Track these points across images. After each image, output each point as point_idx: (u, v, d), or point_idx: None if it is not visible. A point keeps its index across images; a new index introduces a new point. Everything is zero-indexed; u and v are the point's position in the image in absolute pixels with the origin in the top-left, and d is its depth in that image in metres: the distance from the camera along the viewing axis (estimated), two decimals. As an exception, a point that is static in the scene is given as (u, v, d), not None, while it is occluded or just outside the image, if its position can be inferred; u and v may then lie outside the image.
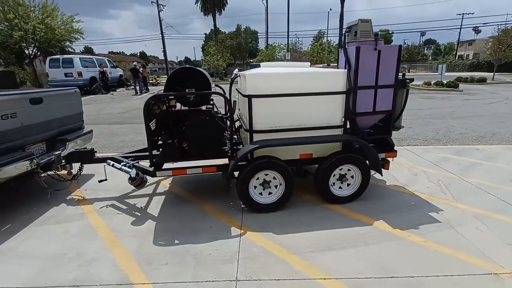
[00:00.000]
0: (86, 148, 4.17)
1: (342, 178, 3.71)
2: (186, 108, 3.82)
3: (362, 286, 2.36)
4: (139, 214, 3.61)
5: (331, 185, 3.68)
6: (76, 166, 4.14)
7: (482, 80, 24.51)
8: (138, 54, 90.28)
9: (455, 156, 5.53)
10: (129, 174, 3.51)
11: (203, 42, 64.72)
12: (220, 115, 3.70)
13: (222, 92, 3.68)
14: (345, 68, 3.72)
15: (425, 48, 60.69)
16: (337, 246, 2.89)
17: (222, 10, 41.06)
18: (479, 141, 6.75)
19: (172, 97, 3.67)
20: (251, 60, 53.93)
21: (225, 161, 3.78)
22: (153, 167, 3.58)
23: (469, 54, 51.84)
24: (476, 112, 10.73)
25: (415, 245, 2.88)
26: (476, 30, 68.57)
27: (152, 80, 25.33)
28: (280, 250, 2.83)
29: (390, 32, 67.31)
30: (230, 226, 3.28)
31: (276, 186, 3.57)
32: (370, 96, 3.73)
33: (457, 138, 7.04)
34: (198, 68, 3.49)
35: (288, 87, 3.46)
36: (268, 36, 34.58)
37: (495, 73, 27.12)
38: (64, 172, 3.94)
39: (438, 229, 3.14)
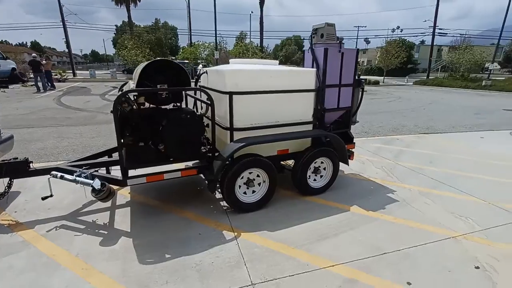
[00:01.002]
0: (17, 158, 3.26)
1: (316, 170, 3.95)
2: (154, 106, 3.41)
3: (366, 266, 2.59)
4: (106, 232, 3.06)
5: (308, 178, 3.88)
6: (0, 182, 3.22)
7: (377, 83, 29.43)
8: (29, 44, 74.79)
9: (385, 146, 6.54)
10: (92, 186, 2.93)
11: (114, 35, 58.21)
12: (198, 113, 3.44)
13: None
14: (313, 68, 3.97)
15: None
16: (329, 234, 3.08)
17: (138, 1, 37.67)
18: (395, 132, 8.15)
19: (140, 94, 3.22)
20: (173, 58, 51.36)
21: (196, 162, 3.55)
22: (122, 176, 3.08)
23: (364, 61, 61.46)
24: (382, 108, 12.85)
25: (388, 223, 3.31)
26: (367, 41, 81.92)
27: (56, 75, 21.35)
28: (281, 247, 2.84)
29: (302, 38, 74.18)
30: (221, 230, 3.10)
31: (259, 184, 3.55)
32: (335, 94, 4.08)
33: (379, 130, 8.32)
34: (175, 61, 3.14)
35: (268, 84, 3.48)
36: (192, 34, 33.48)
37: (385, 77, 32.96)
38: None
39: (399, 207, 3.68)
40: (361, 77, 4.57)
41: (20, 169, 3.22)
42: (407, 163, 5.34)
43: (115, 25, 60.38)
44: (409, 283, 2.40)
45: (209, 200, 3.81)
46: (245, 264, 2.57)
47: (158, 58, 3.10)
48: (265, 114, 3.58)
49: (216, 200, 3.79)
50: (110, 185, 3.04)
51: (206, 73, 3.98)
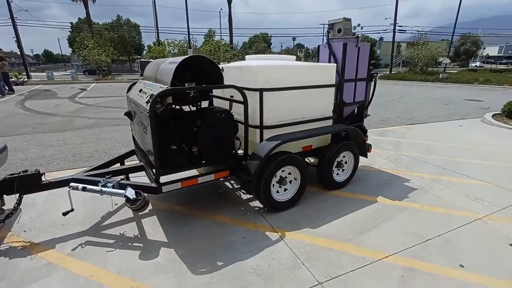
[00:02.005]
0: (26, 170, 2.86)
1: (339, 164, 3.99)
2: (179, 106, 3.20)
3: (417, 254, 2.67)
4: (141, 245, 2.82)
5: (333, 172, 3.91)
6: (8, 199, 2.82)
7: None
8: (-34, 43, 66.42)
9: (382, 137, 6.82)
10: (126, 196, 2.67)
11: (69, 33, 53.95)
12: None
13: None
14: (329, 63, 4.00)
15: (298, 51, 70.57)
16: (369, 226, 3.13)
17: (97, -3, 35.35)
18: (384, 124, 8.53)
19: (169, 94, 2.99)
20: (138, 56, 48.91)
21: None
22: (155, 182, 2.85)
23: (330, 57, 63.74)
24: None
25: (418, 211, 3.45)
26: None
27: (12, 77, 19.27)
28: (330, 243, 2.83)
29: (269, 35, 74.88)
30: (263, 232, 3.01)
31: (290, 182, 3.50)
32: (352, 89, 4.15)
33: (368, 123, 8.61)
34: (207, 57, 2.95)
35: (295, 80, 3.43)
36: (159, 32, 32.08)
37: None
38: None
39: (421, 195, 3.86)
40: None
41: (32, 182, 2.84)
42: (408, 153, 5.61)
43: (70, 23, 56.02)
44: (462, 266, 2.52)
45: (236, 202, 3.68)
46: (303, 264, 2.52)
47: (193, 55, 2.87)
48: (292, 110, 3.53)
49: (243, 202, 3.68)
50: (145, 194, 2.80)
51: (222, 70, 3.82)
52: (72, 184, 2.87)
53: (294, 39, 77.61)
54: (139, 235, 2.97)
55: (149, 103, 2.61)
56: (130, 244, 2.83)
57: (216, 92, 3.83)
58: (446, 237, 2.93)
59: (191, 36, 36.37)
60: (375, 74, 4.41)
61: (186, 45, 31.04)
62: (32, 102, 12.60)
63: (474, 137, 6.88)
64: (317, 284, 2.29)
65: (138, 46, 48.00)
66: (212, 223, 3.18)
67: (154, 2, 30.95)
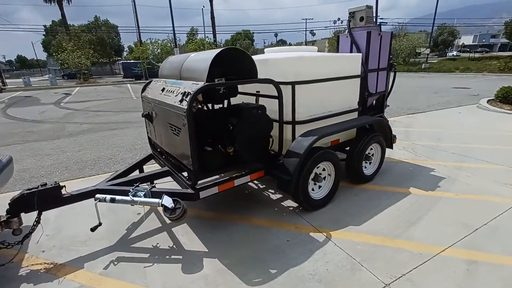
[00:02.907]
0: (45, 183, 2.55)
1: (367, 158, 3.88)
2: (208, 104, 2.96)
3: (472, 244, 2.58)
4: (180, 257, 2.58)
5: (363, 166, 3.79)
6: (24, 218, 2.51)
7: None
8: None
9: (389, 128, 6.80)
10: (163, 205, 2.43)
11: (43, 37, 51.43)
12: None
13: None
14: (351, 53, 3.86)
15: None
16: (412, 218, 3.03)
17: (72, -2, 33.77)
18: (386, 114, 8.53)
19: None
20: (118, 58, 47.30)
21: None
22: (192, 188, 2.62)
23: (313, 52, 64.28)
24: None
25: (455, 200, 3.39)
26: (312, 33, 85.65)
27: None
28: (381, 239, 2.70)
29: (251, 32, 74.45)
30: (307, 233, 2.84)
31: (324, 178, 3.35)
32: (374, 79, 4.04)
33: (369, 115, 8.65)
34: (240, 49, 2.71)
35: (324, 71, 3.28)
36: (140, 31, 30.99)
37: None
38: None
39: (451, 183, 3.81)
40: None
41: (52, 197, 2.53)
42: (421, 142, 5.60)
43: (43, 26, 53.38)
44: (519, 254, 2.46)
45: (267, 202, 3.50)
46: (362, 265, 2.38)
47: (227, 47, 2.60)
48: (321, 104, 3.38)
49: (274, 202, 3.50)
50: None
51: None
52: (98, 196, 2.59)
53: (276, 35, 77.65)
54: (174, 246, 2.73)
55: (184, 102, 2.37)
56: (167, 257, 2.59)
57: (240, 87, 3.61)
58: (492, 225, 2.87)
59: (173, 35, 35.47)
60: (395, 64, 4.32)
61: (170, 45, 30.22)
62: (15, 110, 11.83)
63: (477, 123, 6.99)
64: (385, 286, 2.15)
65: (118, 48, 46.37)
66: (250, 227, 2.98)
67: (134, 1, 29.87)
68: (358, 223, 2.97)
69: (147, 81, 3.74)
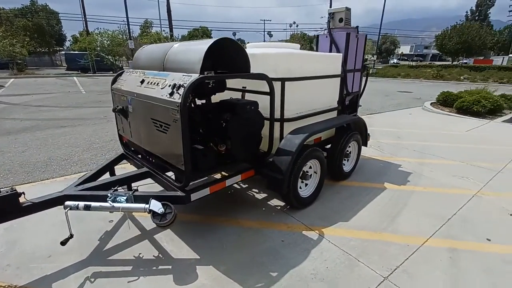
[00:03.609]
0: None
1: (346, 155, 4.00)
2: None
3: (449, 234, 2.80)
4: (170, 267, 2.34)
5: (343, 163, 3.90)
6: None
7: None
8: None
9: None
10: (151, 211, 2.17)
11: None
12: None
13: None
14: (330, 52, 3.95)
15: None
16: (393, 212, 3.19)
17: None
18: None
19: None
20: (60, 48, 42.42)
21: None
22: (182, 190, 2.38)
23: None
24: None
25: (424, 193, 3.66)
26: (270, 34, 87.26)
27: None
28: (370, 234, 2.79)
29: (209, 29, 72.99)
30: (300, 232, 2.81)
31: (311, 176, 3.35)
32: (351, 79, 4.18)
33: (332, 114, 9.05)
34: (235, 41, 2.52)
35: (310, 69, 3.28)
36: (87, 20, 28.07)
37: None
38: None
39: (418, 178, 4.12)
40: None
41: (9, 206, 2.09)
42: (384, 140, 6.00)
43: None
44: (488, 239, 2.74)
45: (252, 202, 3.39)
46: (358, 260, 2.41)
47: (221, 38, 2.39)
48: (306, 102, 3.39)
49: (260, 201, 3.41)
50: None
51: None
52: (68, 203, 2.21)
53: (234, 34, 77.28)
54: (161, 255, 2.47)
55: (175, 95, 2.14)
56: (154, 268, 2.33)
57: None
58: (461, 214, 3.16)
59: (125, 27, 33.06)
60: (367, 66, 4.53)
61: (121, 36, 28.04)
62: None
63: (427, 123, 7.76)
64: (384, 279, 2.21)
65: (59, 37, 41.59)
66: (240, 230, 2.84)
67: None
68: (346, 220, 3.03)
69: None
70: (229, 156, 2.65)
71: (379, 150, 5.38)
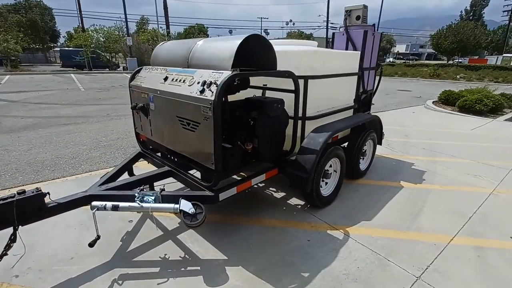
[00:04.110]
0: (23, 191, 2.00)
1: (362, 153, 3.98)
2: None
3: (473, 231, 2.80)
4: (199, 268, 2.29)
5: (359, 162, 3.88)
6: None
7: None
8: None
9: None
10: (181, 211, 2.11)
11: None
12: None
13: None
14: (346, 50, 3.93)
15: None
16: (414, 210, 3.18)
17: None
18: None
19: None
20: (54, 45, 41.70)
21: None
22: (210, 190, 2.33)
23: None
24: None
25: (442, 191, 3.66)
26: (266, 32, 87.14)
27: None
28: (395, 233, 2.77)
29: (205, 26, 72.49)
30: (324, 231, 2.78)
31: (331, 175, 3.32)
32: (366, 77, 4.16)
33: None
34: (263, 38, 2.46)
35: (331, 67, 3.24)
36: (83, 16, 27.58)
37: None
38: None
39: (432, 176, 4.13)
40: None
41: (35, 207, 2.01)
42: (393, 138, 6.01)
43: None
44: (511, 237, 2.75)
45: (272, 201, 3.35)
46: (388, 260, 2.39)
47: (251, 34, 2.32)
48: (326, 100, 3.37)
49: (279, 200, 3.37)
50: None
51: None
52: (95, 203, 2.15)
53: (230, 31, 76.96)
54: (187, 256, 2.42)
55: (207, 92, 2.08)
56: (183, 269, 2.28)
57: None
58: (481, 212, 3.17)
59: (121, 23, 32.64)
60: (381, 64, 4.51)
61: (118, 33, 27.69)
62: None
63: (431, 121, 7.81)
64: (417, 279, 2.19)
65: (53, 33, 40.85)
66: (264, 229, 2.80)
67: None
68: (368, 218, 3.01)
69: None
70: (255, 155, 2.60)
71: (389, 148, 5.37)
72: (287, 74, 2.58)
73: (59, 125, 6.74)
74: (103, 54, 26.67)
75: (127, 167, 3.02)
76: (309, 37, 51.09)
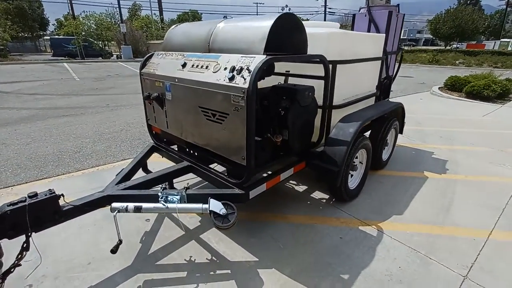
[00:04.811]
0: (35, 194, 1.77)
1: (385, 143, 3.79)
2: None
3: (507, 223, 2.67)
4: (229, 271, 2.12)
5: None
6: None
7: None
8: None
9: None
10: (211, 211, 1.91)
11: None
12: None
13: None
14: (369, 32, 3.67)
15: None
16: (445, 203, 3.03)
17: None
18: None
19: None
20: (44, 33, 40.26)
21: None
22: (240, 188, 2.13)
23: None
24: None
25: (470, 182, 3.51)
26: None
27: None
28: (431, 228, 2.63)
29: (199, 12, 70.56)
30: (355, 227, 2.62)
31: (357, 166, 3.14)
32: (389, 62, 3.93)
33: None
34: (296, 18, 2.20)
35: (358, 51, 3.00)
36: (72, 3, 26.45)
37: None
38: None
39: (455, 166, 3.98)
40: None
41: (49, 211, 1.79)
42: (407, 126, 5.76)
43: None
44: (552, 231, 2.61)
45: (295, 196, 3.17)
46: (430, 258, 2.25)
47: (284, 13, 2.06)
48: (352, 87, 3.14)
49: (302, 195, 3.20)
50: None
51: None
52: (115, 205, 1.94)
53: (225, 17, 75.01)
54: (214, 258, 2.24)
55: (239, 79, 1.85)
56: (212, 273, 2.10)
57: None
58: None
59: (113, 10, 31.48)
60: (402, 48, 4.27)
61: (110, 20, 26.69)
62: None
63: (440, 108, 7.64)
64: (464, 278, 2.05)
65: (41, 20, 39.29)
66: (291, 226, 2.63)
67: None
68: (399, 213, 2.85)
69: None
70: (284, 148, 2.39)
71: (405, 137, 5.20)
72: (319, 59, 2.34)
73: (57, 117, 6.42)
74: (95, 42, 25.76)
75: (142, 162, 2.80)
76: (306, 23, 49.99)
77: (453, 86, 10.08)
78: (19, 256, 1.77)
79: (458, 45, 42.77)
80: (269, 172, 2.52)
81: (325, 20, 39.26)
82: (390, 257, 2.26)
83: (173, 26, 2.90)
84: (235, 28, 2.21)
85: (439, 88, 10.53)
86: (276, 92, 2.35)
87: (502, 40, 42.85)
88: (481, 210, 2.91)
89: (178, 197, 2.03)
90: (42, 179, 3.55)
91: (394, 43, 3.90)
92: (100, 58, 25.01)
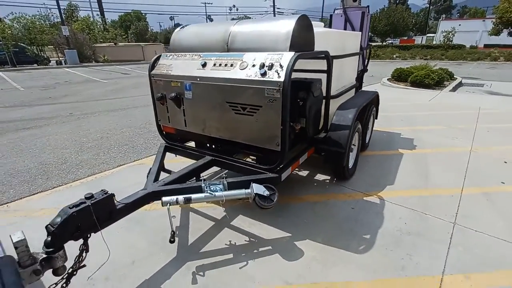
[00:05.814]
0: (91, 195, 1.78)
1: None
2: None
3: (472, 181, 3.34)
4: (270, 247, 2.35)
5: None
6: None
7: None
8: None
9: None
10: (257, 194, 2.13)
11: None
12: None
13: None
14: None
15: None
16: (423, 171, 3.63)
17: None
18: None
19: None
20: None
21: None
22: (273, 172, 2.38)
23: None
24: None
25: (437, 153, 4.21)
26: (210, 18, 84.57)
27: None
28: (419, 191, 3.16)
29: (143, 13, 67.25)
30: (361, 199, 3.04)
31: (353, 148, 3.58)
32: (361, 56, 4.47)
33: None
34: (308, 18, 2.47)
35: (344, 47, 3.44)
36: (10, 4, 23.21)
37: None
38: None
39: (421, 142, 4.69)
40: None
41: (107, 210, 1.84)
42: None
43: None
44: (503, 182, 3.34)
45: (300, 180, 3.50)
46: (425, 213, 2.75)
47: (302, 14, 2.32)
48: (341, 79, 3.57)
49: (308, 177, 3.54)
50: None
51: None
52: (165, 199, 2.04)
53: (171, 18, 72.80)
54: (252, 239, 2.46)
55: (271, 74, 2.10)
56: (256, 251, 2.32)
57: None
58: (472, 166, 3.75)
59: (45, 11, 28.54)
60: (370, 44, 4.87)
61: (43, 22, 24.16)
62: None
63: (394, 96, 8.68)
64: (454, 224, 2.58)
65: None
66: (308, 204, 2.95)
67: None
68: (391, 183, 3.36)
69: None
70: (301, 134, 2.69)
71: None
72: (324, 55, 2.69)
73: (18, 130, 5.85)
74: (28, 47, 23.07)
75: (162, 163, 2.86)
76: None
77: (399, 77, 11.43)
78: (79, 259, 1.80)
79: (392, 41, 47.73)
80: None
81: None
82: (395, 217, 2.71)
83: (178, 28, 3.00)
84: (255, 29, 2.44)
85: (387, 79, 11.83)
86: (295, 85, 2.64)
87: (428, 35, 48.88)
88: (450, 174, 3.56)
89: (220, 186, 2.21)
90: (37, 193, 3.34)
91: (366, 39, 4.46)
92: (36, 64, 22.47)
